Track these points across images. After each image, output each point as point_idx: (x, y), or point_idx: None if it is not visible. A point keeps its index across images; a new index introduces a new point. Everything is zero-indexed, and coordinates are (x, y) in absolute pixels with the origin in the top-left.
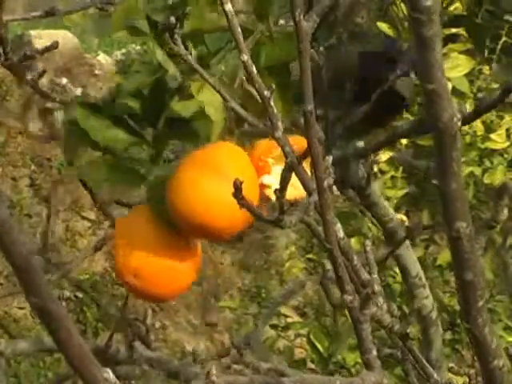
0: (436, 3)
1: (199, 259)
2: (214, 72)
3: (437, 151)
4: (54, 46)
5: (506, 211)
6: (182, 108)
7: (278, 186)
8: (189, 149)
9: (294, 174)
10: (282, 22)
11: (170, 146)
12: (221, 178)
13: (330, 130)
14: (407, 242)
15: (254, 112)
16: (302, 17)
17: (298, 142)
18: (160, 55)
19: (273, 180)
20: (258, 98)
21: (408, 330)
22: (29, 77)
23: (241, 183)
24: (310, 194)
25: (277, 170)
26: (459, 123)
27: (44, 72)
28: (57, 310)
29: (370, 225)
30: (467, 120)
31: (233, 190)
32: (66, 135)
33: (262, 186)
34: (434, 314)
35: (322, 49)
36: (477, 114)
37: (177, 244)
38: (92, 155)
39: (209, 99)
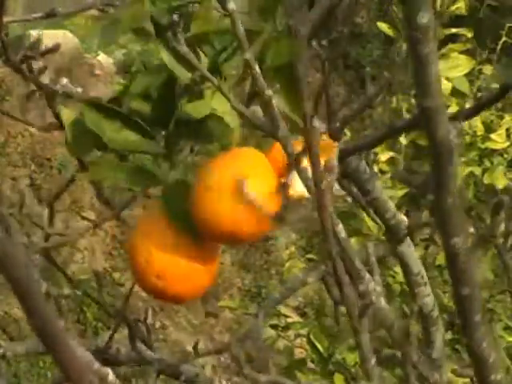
0: (432, 21)
1: (218, 260)
2: (222, 71)
3: (433, 167)
4: (56, 48)
5: (502, 226)
6: (193, 109)
7: (297, 183)
8: (204, 152)
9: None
10: None
11: (183, 146)
12: (245, 186)
13: (331, 123)
14: (409, 240)
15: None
16: (299, 20)
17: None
18: (166, 57)
19: (291, 178)
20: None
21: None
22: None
23: (242, 181)
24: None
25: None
26: (455, 140)
27: (45, 68)
28: (58, 333)
29: (370, 225)
30: (468, 115)
31: (255, 197)
32: (71, 136)
33: (283, 186)
34: (435, 313)
35: (324, 42)
36: (477, 109)
37: (197, 245)
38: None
39: (223, 105)
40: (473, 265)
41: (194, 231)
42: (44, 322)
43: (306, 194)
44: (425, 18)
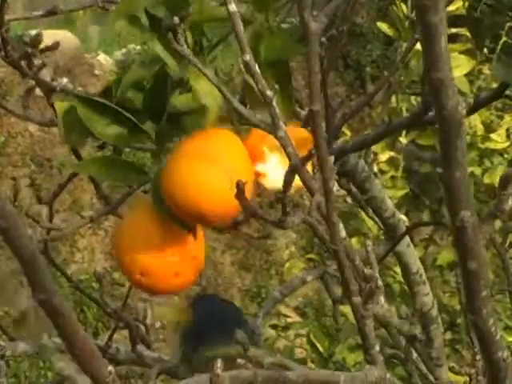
0: None
1: (202, 254)
2: (214, 63)
3: (441, 140)
4: (55, 46)
5: (510, 201)
6: (180, 102)
7: (272, 174)
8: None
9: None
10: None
11: (172, 140)
12: (214, 165)
13: (330, 121)
14: (408, 239)
15: (253, 102)
16: (310, 18)
17: (297, 133)
18: (159, 50)
19: (267, 168)
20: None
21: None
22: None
23: (243, 184)
24: (312, 194)
25: (271, 158)
26: (464, 111)
27: (44, 65)
28: (62, 305)
29: (370, 225)
30: (466, 114)
31: (226, 177)
32: (64, 127)
33: (257, 174)
34: (435, 312)
35: (323, 39)
36: (475, 106)
37: (180, 239)
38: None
39: (206, 87)
40: (480, 240)
41: (177, 224)
42: (49, 295)
43: (280, 186)
44: None
